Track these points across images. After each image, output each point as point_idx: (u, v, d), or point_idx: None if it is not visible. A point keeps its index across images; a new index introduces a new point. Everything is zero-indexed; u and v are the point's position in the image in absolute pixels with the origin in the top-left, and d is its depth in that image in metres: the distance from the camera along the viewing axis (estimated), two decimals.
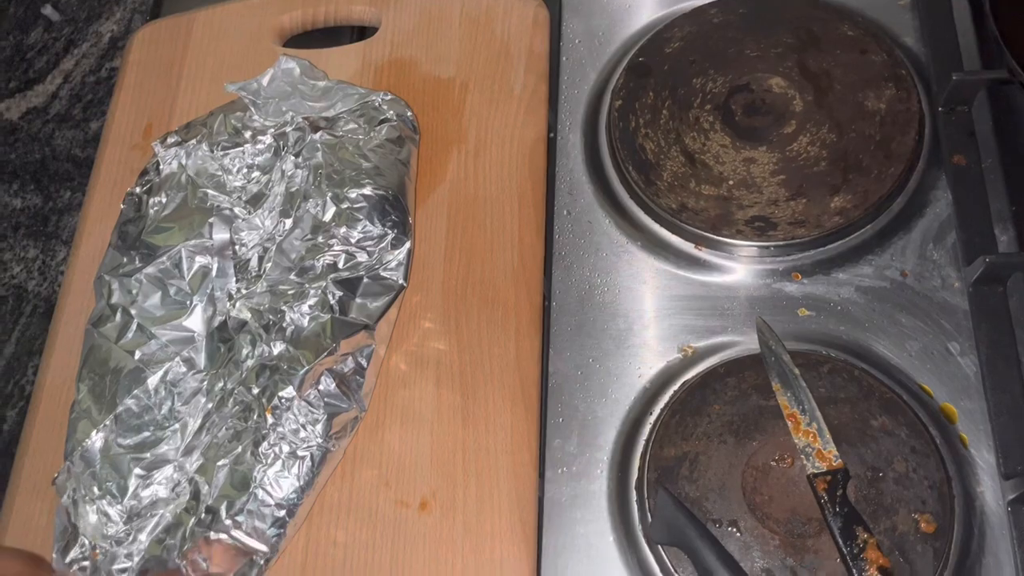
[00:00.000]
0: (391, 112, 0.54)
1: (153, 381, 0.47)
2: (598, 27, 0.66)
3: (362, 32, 0.65)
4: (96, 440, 0.47)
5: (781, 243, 0.55)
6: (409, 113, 0.55)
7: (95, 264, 0.54)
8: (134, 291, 0.50)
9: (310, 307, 0.48)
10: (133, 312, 0.49)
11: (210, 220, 0.51)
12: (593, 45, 0.66)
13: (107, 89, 0.69)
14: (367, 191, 0.50)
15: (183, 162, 0.54)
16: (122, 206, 0.54)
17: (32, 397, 0.54)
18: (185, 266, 0.50)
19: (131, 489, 0.46)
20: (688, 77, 0.61)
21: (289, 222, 0.51)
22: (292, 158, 0.53)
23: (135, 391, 0.48)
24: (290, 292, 0.49)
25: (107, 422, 0.47)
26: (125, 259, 0.51)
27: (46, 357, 0.55)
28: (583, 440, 0.53)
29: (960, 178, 0.56)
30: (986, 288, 0.53)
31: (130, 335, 0.49)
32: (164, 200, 0.53)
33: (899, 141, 0.57)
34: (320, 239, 0.50)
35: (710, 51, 0.62)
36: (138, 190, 0.54)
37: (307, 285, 0.49)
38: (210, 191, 0.52)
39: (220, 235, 0.51)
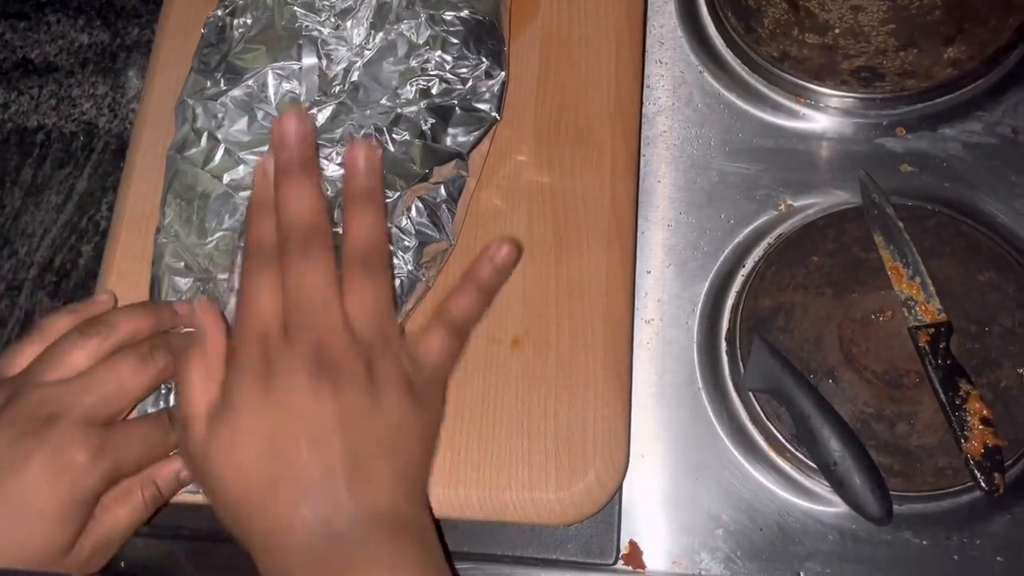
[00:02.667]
0: None
1: (244, 205, 0.46)
2: None
3: None
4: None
5: (888, 95, 0.53)
6: None
7: (172, 96, 0.52)
8: (220, 115, 0.48)
9: (400, 132, 0.46)
10: (219, 136, 0.48)
11: (299, 42, 0.49)
12: None
13: None
14: (464, 14, 0.48)
15: None
16: (203, 31, 0.52)
17: (111, 228, 0.53)
18: (271, 90, 0.48)
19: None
20: None
21: (380, 35, 0.48)
22: None
23: (225, 216, 0.46)
24: (381, 115, 0.47)
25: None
26: (209, 83, 0.49)
27: (123, 188, 0.54)
28: (671, 292, 0.52)
29: None
30: None
31: (217, 159, 0.48)
32: (250, 21, 0.50)
33: None
34: (413, 63, 0.48)
35: None
36: (220, 12, 0.51)
37: (400, 110, 0.47)
38: (298, 9, 0.50)
39: (309, 59, 0.48)
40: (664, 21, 0.58)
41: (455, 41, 0.48)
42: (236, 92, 0.49)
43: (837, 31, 0.54)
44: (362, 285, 0.40)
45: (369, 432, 0.39)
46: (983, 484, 0.44)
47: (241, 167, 0.47)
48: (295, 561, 0.37)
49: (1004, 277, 0.48)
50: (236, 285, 0.44)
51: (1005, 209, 0.51)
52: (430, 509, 0.42)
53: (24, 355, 0.43)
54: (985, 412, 0.45)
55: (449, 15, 0.48)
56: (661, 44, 0.58)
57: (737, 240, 0.53)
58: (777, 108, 0.55)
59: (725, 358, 0.50)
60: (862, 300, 0.49)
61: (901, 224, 0.49)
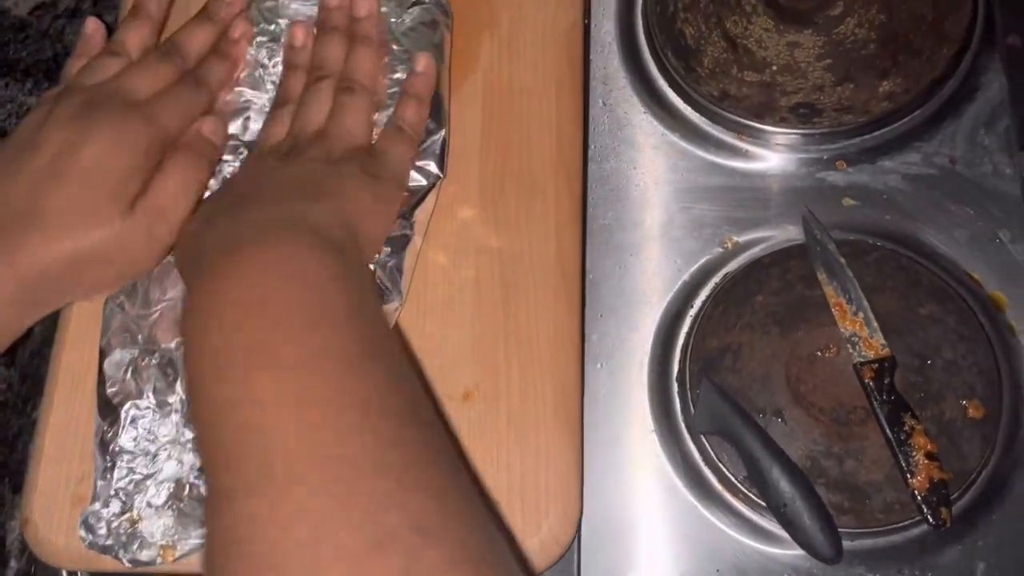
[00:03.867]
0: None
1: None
2: None
3: None
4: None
5: (826, 130, 0.53)
6: None
7: None
8: None
9: None
10: None
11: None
12: None
13: None
14: (399, 75, 0.48)
15: None
16: None
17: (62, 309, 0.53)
18: None
19: None
20: None
21: None
22: None
23: (168, 287, 0.47)
24: None
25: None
26: None
27: None
28: (621, 335, 0.52)
29: (1015, 60, 0.53)
30: None
31: None
32: None
33: (952, 21, 0.54)
34: None
35: None
36: None
37: None
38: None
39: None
40: (607, 63, 0.59)
41: (392, 103, 0.48)
42: None
43: (775, 68, 0.55)
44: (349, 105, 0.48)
45: (317, 181, 0.44)
46: (930, 519, 0.45)
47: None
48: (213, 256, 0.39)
49: (945, 309, 0.49)
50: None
51: (945, 239, 0.52)
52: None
53: (103, 70, 0.48)
54: (929, 447, 0.46)
55: (385, 79, 0.49)
56: (604, 85, 0.58)
57: (684, 279, 0.53)
58: (720, 146, 0.56)
59: (677, 400, 0.50)
60: (808, 337, 0.50)
61: (843, 260, 0.50)
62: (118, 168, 0.44)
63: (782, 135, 0.54)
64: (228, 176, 0.49)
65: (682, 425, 0.50)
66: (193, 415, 0.36)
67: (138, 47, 0.50)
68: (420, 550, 0.29)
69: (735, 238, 0.54)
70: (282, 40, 0.52)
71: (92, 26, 0.52)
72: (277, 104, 0.50)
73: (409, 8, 0.52)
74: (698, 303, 0.52)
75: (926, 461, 0.45)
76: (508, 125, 0.53)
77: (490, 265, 0.50)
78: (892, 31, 0.54)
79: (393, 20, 0.51)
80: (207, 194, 0.48)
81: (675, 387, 0.51)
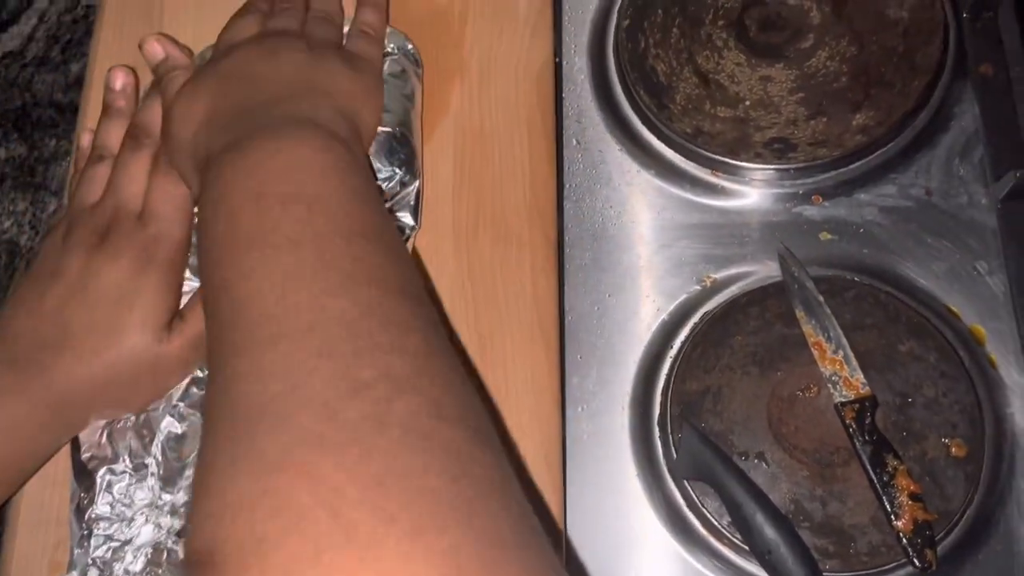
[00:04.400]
0: (392, 45, 0.51)
1: None
2: None
3: None
4: None
5: (801, 165, 0.53)
6: (410, 46, 0.52)
7: None
8: None
9: None
10: None
11: None
12: None
13: (86, 28, 0.65)
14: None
15: None
16: None
17: None
18: None
19: None
20: None
21: None
22: None
23: None
24: None
25: None
26: None
27: None
28: (602, 377, 0.52)
29: (987, 89, 0.53)
30: (1015, 204, 0.51)
31: None
32: None
33: (923, 52, 0.54)
34: None
35: None
36: None
37: None
38: None
39: None
40: (580, 100, 0.58)
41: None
42: None
43: (748, 103, 0.55)
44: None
45: (308, 77, 0.44)
46: (916, 562, 0.44)
47: None
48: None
49: (924, 346, 0.49)
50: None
51: (923, 272, 0.51)
52: None
53: (97, 182, 0.48)
54: (913, 487, 0.45)
55: None
56: (578, 123, 0.58)
57: (664, 319, 0.53)
58: (695, 183, 0.55)
59: (659, 443, 0.50)
60: (788, 378, 0.49)
61: (821, 298, 0.50)
62: (142, 287, 0.44)
63: (757, 171, 0.54)
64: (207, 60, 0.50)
65: (664, 469, 0.49)
66: (203, 304, 0.38)
67: (114, 145, 0.50)
68: (393, 400, 0.30)
69: (713, 275, 0.53)
70: None
71: (120, 81, 0.52)
72: (246, 7, 0.50)
73: None
74: (678, 343, 0.52)
75: (910, 502, 0.45)
76: (481, 170, 0.52)
77: (466, 314, 0.49)
78: (863, 63, 0.54)
79: None
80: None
81: (657, 431, 0.50)
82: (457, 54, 0.55)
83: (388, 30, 0.52)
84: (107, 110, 0.51)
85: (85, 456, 0.46)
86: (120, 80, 0.51)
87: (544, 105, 0.54)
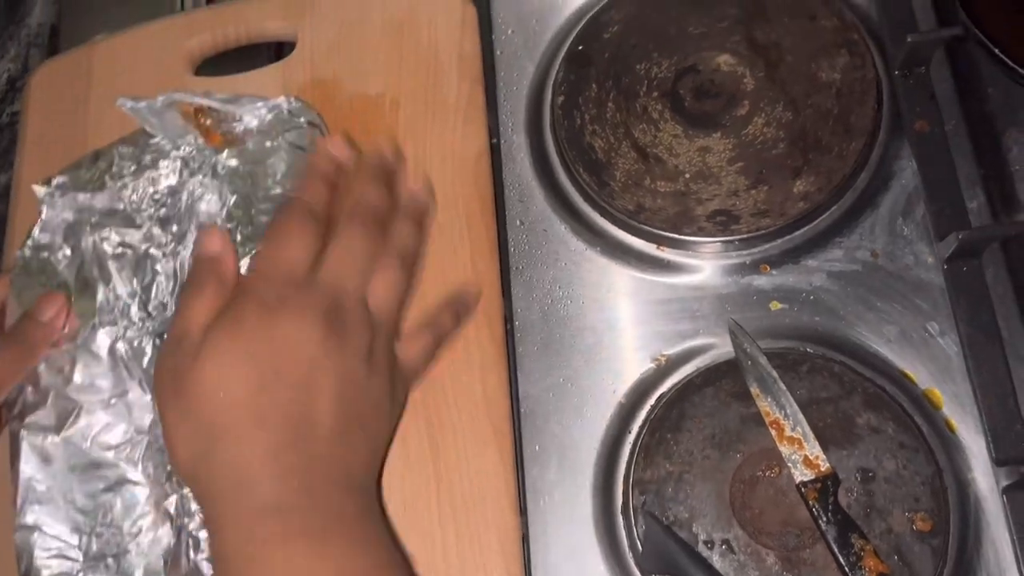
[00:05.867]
0: (301, 118, 0.51)
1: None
2: (531, 12, 0.62)
3: (280, 50, 0.61)
4: None
5: (746, 236, 0.53)
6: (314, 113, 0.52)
7: None
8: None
9: None
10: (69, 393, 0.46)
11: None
12: (528, 34, 0.61)
13: (11, 136, 0.63)
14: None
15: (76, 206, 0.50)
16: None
17: None
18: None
19: None
20: (631, 63, 0.58)
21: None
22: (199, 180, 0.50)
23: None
24: None
25: None
26: None
27: None
28: (562, 466, 0.51)
29: (924, 146, 0.53)
30: (961, 263, 0.50)
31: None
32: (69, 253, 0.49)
33: (858, 113, 0.54)
34: None
35: (651, 32, 0.58)
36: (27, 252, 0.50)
37: None
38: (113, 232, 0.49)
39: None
40: (520, 179, 0.57)
41: None
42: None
43: (688, 175, 0.54)
44: (394, 273, 0.45)
45: (360, 400, 0.41)
46: None
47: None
48: (256, 516, 0.36)
49: (881, 417, 0.48)
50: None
51: (875, 337, 0.51)
52: None
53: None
54: (881, 568, 0.45)
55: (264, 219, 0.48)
56: (521, 203, 0.57)
57: (620, 402, 0.52)
58: (641, 259, 0.54)
59: (623, 533, 0.49)
60: (748, 459, 0.49)
61: (775, 373, 0.49)
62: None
63: (703, 243, 0.53)
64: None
65: (631, 561, 0.48)
66: None
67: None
68: None
69: (667, 352, 0.53)
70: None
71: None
72: (297, 213, 0.44)
73: (284, 133, 0.50)
74: (635, 428, 0.51)
75: None
76: (425, 268, 0.51)
77: (416, 422, 0.48)
78: (800, 128, 0.54)
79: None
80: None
81: (621, 520, 0.49)
82: (390, 145, 0.54)
83: (294, 105, 0.51)
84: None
85: None
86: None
87: (483, 194, 0.53)
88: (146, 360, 0.47)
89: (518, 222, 0.57)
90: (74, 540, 0.45)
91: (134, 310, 0.48)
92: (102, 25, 0.64)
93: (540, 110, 0.59)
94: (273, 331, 0.39)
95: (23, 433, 0.46)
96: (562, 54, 0.59)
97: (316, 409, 0.39)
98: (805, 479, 0.47)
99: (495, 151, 0.57)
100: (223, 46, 0.59)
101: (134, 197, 0.51)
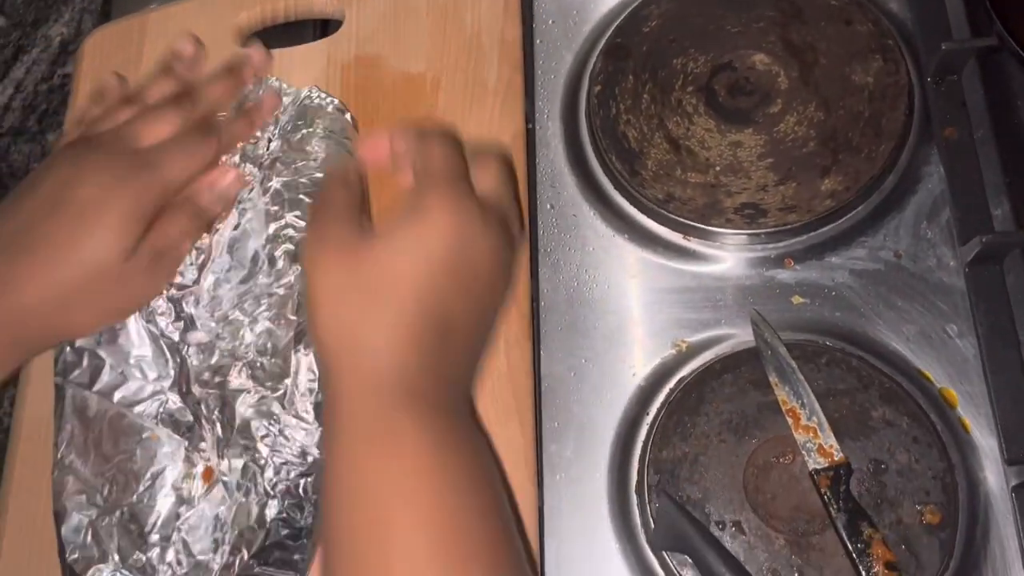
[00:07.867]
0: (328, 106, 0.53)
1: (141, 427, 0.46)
2: (571, 5, 0.64)
3: (325, 27, 0.62)
4: None
5: (772, 230, 0.54)
6: (348, 116, 0.54)
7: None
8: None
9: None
10: (102, 354, 0.48)
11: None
12: (568, 25, 0.63)
13: (61, 98, 0.65)
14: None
15: None
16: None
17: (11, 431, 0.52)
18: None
19: None
20: (668, 58, 0.59)
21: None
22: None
23: (121, 438, 0.46)
24: (246, 321, 0.47)
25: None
26: None
27: (22, 387, 0.53)
28: (580, 444, 0.52)
29: (952, 152, 0.54)
30: (982, 268, 0.51)
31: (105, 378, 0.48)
32: None
33: (889, 117, 0.55)
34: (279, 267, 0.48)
35: (689, 28, 0.59)
36: None
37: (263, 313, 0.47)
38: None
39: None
40: (553, 165, 0.59)
41: None
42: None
43: (718, 168, 0.56)
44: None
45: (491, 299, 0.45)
46: None
47: (132, 382, 0.47)
48: (391, 384, 0.39)
49: (897, 411, 0.49)
50: None
51: (895, 336, 0.52)
52: None
53: (120, 114, 0.50)
54: (888, 556, 0.45)
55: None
56: (552, 187, 0.58)
57: (639, 384, 0.53)
58: (668, 247, 0.56)
59: (637, 512, 0.50)
60: (763, 445, 0.50)
61: (794, 364, 0.50)
62: (115, 207, 0.45)
63: (729, 235, 0.54)
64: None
65: (643, 540, 0.49)
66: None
67: (156, 99, 0.52)
68: None
69: (688, 340, 0.54)
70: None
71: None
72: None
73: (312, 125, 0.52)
74: (654, 410, 0.52)
75: (886, 572, 0.45)
76: None
77: None
78: (831, 128, 0.55)
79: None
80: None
81: (635, 498, 0.50)
82: (430, 121, 0.55)
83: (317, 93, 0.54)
84: (165, 68, 0.53)
85: (71, 559, 0.45)
86: (190, 50, 0.55)
87: (517, 174, 0.54)
88: (163, 321, 0.48)
89: (548, 206, 0.58)
90: (98, 484, 0.46)
91: None
92: None
93: (576, 98, 0.60)
94: (459, 209, 0.42)
95: (66, 387, 0.48)
96: (601, 46, 0.61)
97: (465, 308, 0.43)
98: (818, 467, 0.48)
99: (529, 136, 0.59)
100: (271, 20, 0.61)
101: None
